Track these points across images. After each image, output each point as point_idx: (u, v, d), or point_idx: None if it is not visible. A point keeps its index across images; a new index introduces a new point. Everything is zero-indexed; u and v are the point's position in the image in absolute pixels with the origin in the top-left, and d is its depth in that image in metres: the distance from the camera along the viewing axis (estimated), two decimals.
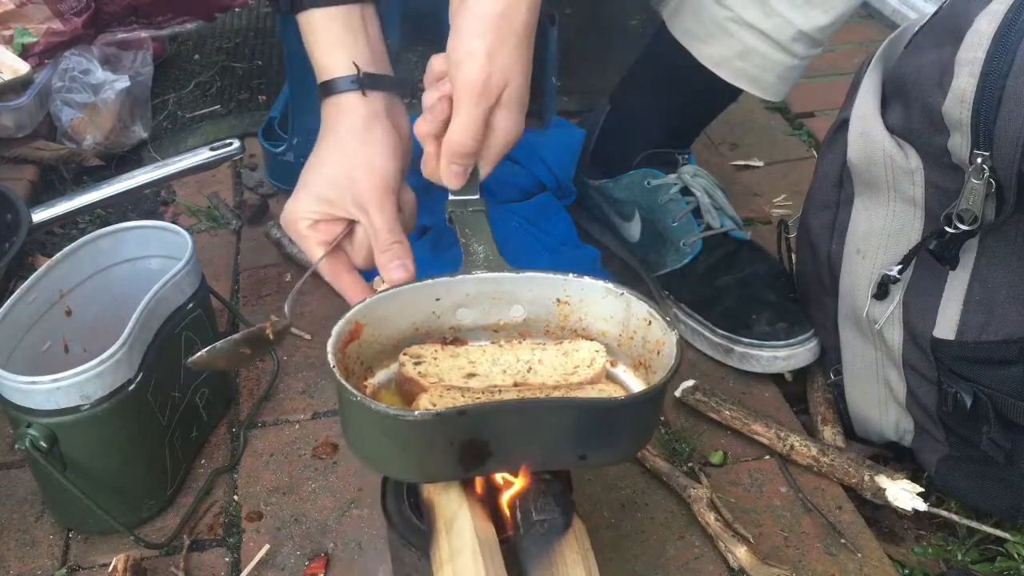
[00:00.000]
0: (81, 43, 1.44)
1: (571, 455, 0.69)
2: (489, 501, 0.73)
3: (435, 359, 0.75)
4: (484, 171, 0.81)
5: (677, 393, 1.02)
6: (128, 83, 1.44)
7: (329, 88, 0.85)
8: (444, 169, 0.80)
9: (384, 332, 0.76)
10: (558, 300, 0.78)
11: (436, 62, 0.80)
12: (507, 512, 0.72)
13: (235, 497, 0.95)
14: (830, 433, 0.98)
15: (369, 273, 0.88)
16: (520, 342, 0.79)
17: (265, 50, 1.78)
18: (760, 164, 1.46)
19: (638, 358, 0.76)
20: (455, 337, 0.79)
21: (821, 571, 0.86)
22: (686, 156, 1.17)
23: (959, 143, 0.75)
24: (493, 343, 0.79)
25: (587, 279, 0.77)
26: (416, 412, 0.66)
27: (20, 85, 1.39)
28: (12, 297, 0.87)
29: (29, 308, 0.89)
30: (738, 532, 0.88)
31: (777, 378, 1.07)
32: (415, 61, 1.38)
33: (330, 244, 0.84)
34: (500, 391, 0.73)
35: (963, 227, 0.77)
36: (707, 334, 1.08)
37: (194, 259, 0.93)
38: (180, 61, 1.75)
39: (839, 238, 0.92)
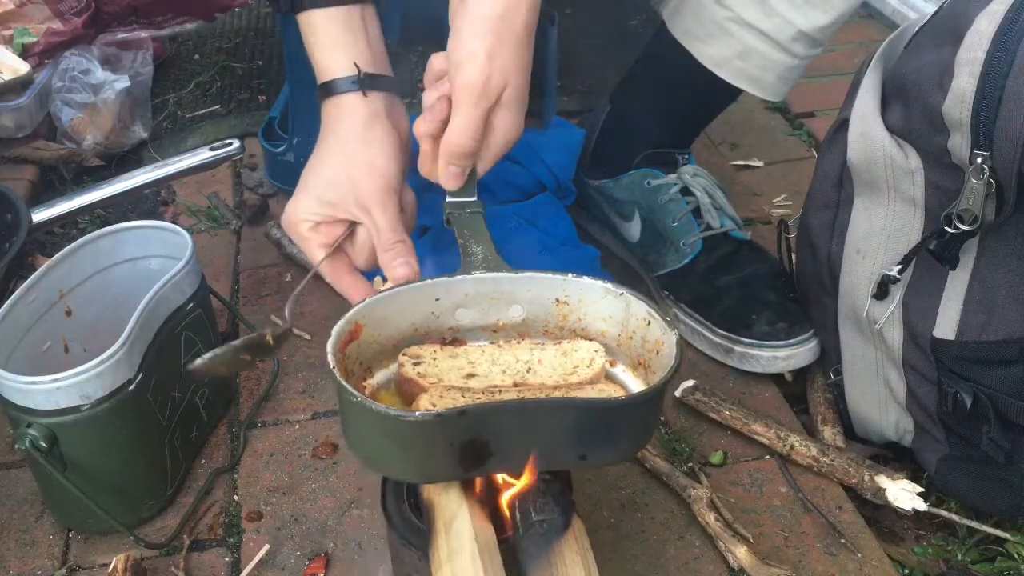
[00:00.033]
0: (81, 43, 1.44)
1: (571, 455, 0.69)
2: (489, 501, 0.73)
3: (434, 359, 0.75)
4: (482, 169, 0.81)
5: (677, 393, 1.02)
6: (128, 83, 1.44)
7: (329, 89, 0.85)
8: (442, 169, 0.80)
9: (383, 333, 0.76)
10: (557, 300, 0.78)
11: (436, 61, 0.80)
12: (507, 512, 0.72)
13: (235, 497, 0.95)
14: (830, 433, 0.98)
15: (370, 274, 0.88)
16: (519, 342, 0.79)
17: (265, 50, 1.78)
18: (760, 164, 1.46)
19: (637, 358, 0.76)
20: (454, 337, 0.79)
21: (821, 571, 0.86)
22: (686, 156, 1.17)
23: (959, 143, 0.75)
24: (492, 343, 0.79)
25: (586, 279, 0.77)
26: (417, 413, 0.66)
27: (20, 85, 1.39)
28: (12, 297, 0.87)
29: (29, 308, 0.89)
30: (738, 532, 0.88)
31: (777, 378, 1.07)
32: (415, 61, 1.38)
33: (331, 246, 0.84)
34: (500, 391, 0.73)
35: (963, 227, 0.77)
36: (707, 334, 1.08)
37: (194, 259, 0.93)
38: (180, 61, 1.75)
39: (839, 238, 0.92)
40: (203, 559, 0.89)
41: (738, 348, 1.05)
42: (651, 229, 1.15)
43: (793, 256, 1.09)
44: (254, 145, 1.39)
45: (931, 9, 0.83)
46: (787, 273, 1.10)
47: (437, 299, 0.77)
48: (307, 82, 0.89)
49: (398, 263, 0.81)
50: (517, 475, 0.71)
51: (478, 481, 0.73)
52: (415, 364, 0.75)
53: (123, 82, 1.43)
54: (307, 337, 1.12)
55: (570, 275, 0.77)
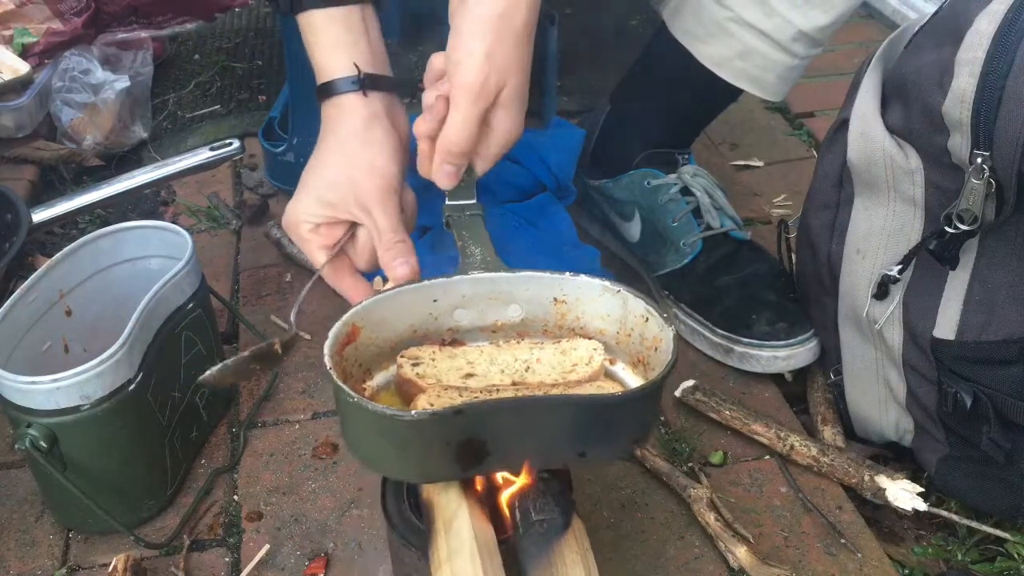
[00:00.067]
0: (81, 43, 1.45)
1: (570, 452, 0.69)
2: (489, 501, 0.73)
3: (433, 360, 0.75)
4: (482, 169, 0.81)
5: (677, 393, 1.02)
6: (128, 83, 1.44)
7: (329, 89, 0.85)
8: (436, 168, 0.80)
9: (382, 335, 0.76)
10: (555, 299, 0.78)
11: (436, 60, 0.80)
12: (507, 512, 0.72)
13: (235, 497, 0.95)
14: (830, 433, 0.98)
15: (370, 275, 0.88)
16: (518, 342, 0.79)
17: (265, 50, 1.78)
18: (760, 164, 1.46)
19: (636, 355, 0.76)
20: (453, 338, 0.79)
21: (821, 571, 0.86)
22: (686, 156, 1.17)
23: (959, 143, 0.75)
24: (491, 343, 0.79)
25: (583, 277, 0.77)
26: (412, 412, 0.66)
27: (20, 85, 1.39)
28: (12, 297, 0.87)
29: (29, 308, 0.89)
30: (738, 532, 0.88)
31: (777, 378, 1.07)
32: (415, 61, 1.38)
33: (332, 248, 0.84)
34: (498, 391, 0.73)
35: (963, 227, 0.77)
36: (707, 334, 1.08)
37: (194, 259, 0.93)
38: (180, 61, 1.75)
39: (839, 238, 0.92)
40: (203, 559, 0.89)
41: (738, 348, 1.05)
42: (651, 229, 1.15)
43: (793, 256, 1.09)
44: (254, 145, 1.39)
45: (931, 9, 0.83)
46: (787, 273, 1.10)
47: (435, 300, 0.77)
48: (307, 82, 0.89)
49: (399, 263, 0.81)
50: (516, 474, 0.71)
51: (478, 480, 0.73)
52: (414, 365, 0.75)
53: (123, 82, 1.43)
54: (307, 337, 1.12)
55: (567, 274, 0.77)
